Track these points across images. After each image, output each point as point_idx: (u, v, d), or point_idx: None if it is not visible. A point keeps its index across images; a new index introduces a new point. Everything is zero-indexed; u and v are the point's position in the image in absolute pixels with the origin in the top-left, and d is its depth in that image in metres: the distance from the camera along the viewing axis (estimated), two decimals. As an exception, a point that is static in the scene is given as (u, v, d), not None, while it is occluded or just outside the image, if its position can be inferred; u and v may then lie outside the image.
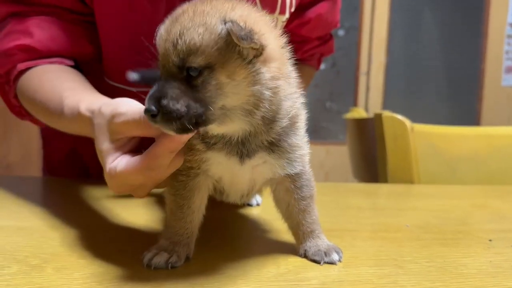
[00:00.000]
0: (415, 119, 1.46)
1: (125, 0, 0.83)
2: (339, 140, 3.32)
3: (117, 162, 0.55)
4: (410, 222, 0.81)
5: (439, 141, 1.39)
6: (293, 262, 0.60)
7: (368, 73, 3.44)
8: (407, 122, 1.35)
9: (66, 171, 1.04)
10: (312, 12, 1.03)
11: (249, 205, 0.86)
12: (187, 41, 0.49)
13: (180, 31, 0.49)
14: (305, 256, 0.61)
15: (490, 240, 0.72)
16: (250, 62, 0.50)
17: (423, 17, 3.54)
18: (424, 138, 1.37)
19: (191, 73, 0.49)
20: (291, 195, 0.61)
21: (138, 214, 0.77)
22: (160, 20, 0.85)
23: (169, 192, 0.59)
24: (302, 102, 0.60)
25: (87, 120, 0.62)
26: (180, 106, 0.48)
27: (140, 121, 0.53)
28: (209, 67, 0.49)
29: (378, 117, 1.40)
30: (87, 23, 0.88)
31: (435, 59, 3.56)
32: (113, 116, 0.56)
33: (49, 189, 0.98)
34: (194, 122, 0.49)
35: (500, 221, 0.86)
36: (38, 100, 0.77)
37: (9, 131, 2.34)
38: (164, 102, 0.48)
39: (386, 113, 1.38)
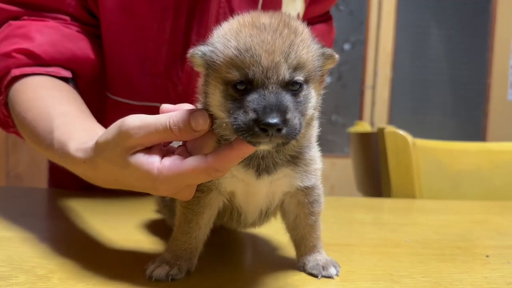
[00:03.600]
0: (420, 133, 1.47)
1: (132, 18, 0.85)
2: (345, 153, 3.33)
3: (169, 162, 0.53)
4: (409, 237, 0.82)
5: (441, 156, 1.40)
6: (291, 276, 0.61)
7: (373, 87, 3.46)
8: (409, 137, 1.36)
9: (72, 183, 1.05)
10: None
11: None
12: (298, 56, 0.50)
13: (290, 45, 0.50)
14: (303, 269, 0.62)
15: (487, 256, 0.73)
16: (322, 79, 0.55)
17: (429, 31, 3.55)
18: (426, 153, 1.38)
19: (292, 87, 0.50)
20: (301, 209, 0.62)
21: (141, 227, 0.79)
22: (166, 39, 0.88)
23: (181, 205, 0.60)
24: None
25: (78, 161, 0.60)
26: (297, 121, 0.49)
27: (166, 130, 0.52)
28: (306, 82, 0.52)
29: (381, 132, 1.41)
30: (91, 34, 0.88)
31: (440, 74, 3.57)
32: (124, 137, 0.53)
33: (55, 200, 1.00)
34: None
35: (499, 237, 0.87)
36: (28, 121, 0.72)
37: (19, 143, 2.37)
38: (289, 116, 0.47)
39: (389, 128, 1.39)
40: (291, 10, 0.95)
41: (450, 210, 1.09)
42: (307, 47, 0.51)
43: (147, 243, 0.71)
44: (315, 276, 0.60)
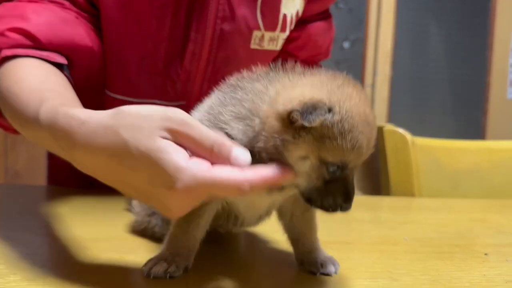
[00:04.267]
0: (420, 132, 1.47)
1: (131, 15, 0.85)
2: (344, 151, 3.32)
3: (199, 162, 0.47)
4: (408, 235, 0.82)
5: (440, 155, 1.40)
6: (289, 273, 0.61)
7: (373, 85, 3.45)
8: (408, 136, 1.36)
9: (71, 181, 1.04)
10: (304, 29, 1.03)
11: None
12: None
13: (374, 139, 0.54)
14: (301, 267, 0.62)
15: (485, 254, 0.73)
16: None
17: (429, 30, 3.55)
18: (425, 152, 1.38)
19: None
20: (297, 207, 0.62)
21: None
22: (165, 36, 0.88)
23: None
24: None
25: (76, 122, 0.50)
26: None
27: (210, 148, 0.47)
28: None
29: (380, 130, 1.41)
30: (90, 23, 0.84)
31: (440, 72, 3.57)
32: (168, 119, 0.47)
33: (54, 198, 1.00)
34: None
35: (498, 235, 0.87)
36: (14, 92, 0.64)
37: (18, 140, 2.37)
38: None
39: (388, 126, 1.39)
40: (291, 8, 0.95)
41: (449, 209, 1.09)
42: None
43: (147, 240, 0.71)
44: (313, 273, 0.60)
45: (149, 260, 0.58)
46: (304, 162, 0.50)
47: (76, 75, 0.80)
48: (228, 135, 0.52)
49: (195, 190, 0.46)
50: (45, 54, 0.75)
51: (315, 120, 0.48)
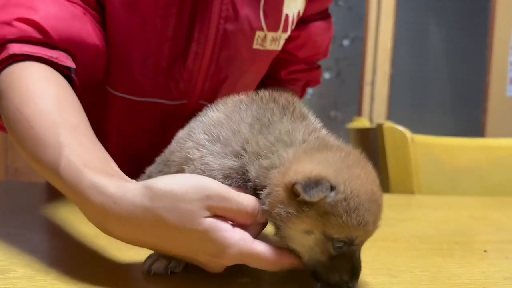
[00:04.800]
0: (420, 130, 1.47)
1: (136, 14, 0.84)
2: (344, 149, 3.32)
3: (243, 235, 0.51)
4: (408, 232, 0.82)
5: (440, 152, 1.40)
6: (289, 270, 0.61)
7: (372, 83, 3.46)
8: (408, 133, 1.37)
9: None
10: (303, 29, 1.03)
11: None
12: None
13: (380, 216, 0.54)
14: (300, 263, 0.62)
15: (485, 251, 0.74)
16: None
17: (428, 28, 3.55)
18: (425, 149, 1.38)
19: None
20: None
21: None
22: (169, 36, 0.87)
23: None
24: None
25: (107, 200, 0.50)
26: None
27: (246, 214, 0.52)
28: None
29: (379, 128, 1.41)
30: (96, 20, 0.82)
31: (440, 71, 3.57)
32: (207, 198, 0.50)
33: (53, 195, 1.00)
34: None
35: (497, 232, 0.87)
36: (25, 117, 0.59)
37: (17, 137, 2.37)
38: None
39: (387, 124, 1.39)
40: (293, 8, 0.95)
41: (448, 206, 1.09)
42: None
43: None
44: (313, 270, 0.61)
45: (149, 257, 0.58)
46: (308, 237, 0.51)
47: (79, 72, 0.77)
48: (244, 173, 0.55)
49: (238, 260, 0.52)
50: (54, 55, 0.69)
51: (315, 196, 0.48)
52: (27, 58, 0.67)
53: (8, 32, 0.67)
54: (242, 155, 0.56)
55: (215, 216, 0.50)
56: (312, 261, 0.52)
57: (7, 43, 0.67)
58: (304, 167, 0.51)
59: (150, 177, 0.69)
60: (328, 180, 0.49)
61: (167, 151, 0.67)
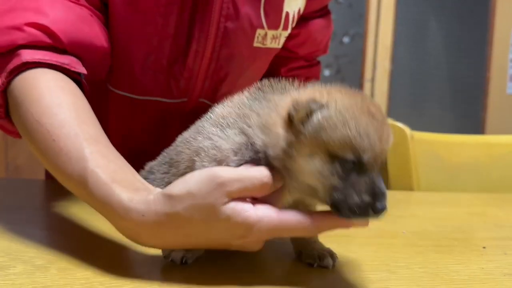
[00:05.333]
0: (420, 126, 1.47)
1: (137, 12, 0.84)
2: (344, 146, 3.33)
3: (267, 210, 0.52)
4: (407, 228, 0.83)
5: (439, 149, 1.40)
6: (287, 265, 0.61)
7: (372, 80, 3.45)
8: (407, 130, 1.37)
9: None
10: (303, 26, 1.03)
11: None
12: (389, 145, 0.54)
13: (388, 135, 0.53)
14: (299, 258, 0.63)
15: (484, 248, 0.74)
16: None
17: (428, 25, 3.55)
18: (424, 146, 1.38)
19: None
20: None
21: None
22: (170, 34, 0.87)
23: None
24: None
25: (135, 213, 0.53)
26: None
27: (262, 185, 0.52)
28: None
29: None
30: (101, 21, 0.83)
31: (440, 67, 3.56)
32: (221, 186, 0.51)
33: (54, 192, 1.00)
34: None
35: (496, 229, 0.87)
36: (46, 129, 0.59)
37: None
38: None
39: (387, 121, 1.39)
40: (293, 6, 0.95)
41: (447, 203, 1.10)
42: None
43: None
44: (311, 265, 0.61)
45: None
46: (314, 160, 0.51)
47: (86, 74, 0.77)
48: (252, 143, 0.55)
49: (268, 236, 0.53)
50: (66, 61, 0.69)
51: (308, 114, 0.51)
52: (39, 65, 0.67)
53: (19, 37, 0.67)
54: (247, 129, 0.56)
55: (234, 200, 0.51)
56: (327, 190, 0.51)
57: (18, 48, 0.67)
58: (294, 97, 0.54)
59: (150, 172, 0.69)
60: (317, 99, 0.52)
61: (171, 152, 0.67)
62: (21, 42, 0.67)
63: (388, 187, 1.40)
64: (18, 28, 0.67)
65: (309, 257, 0.61)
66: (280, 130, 0.53)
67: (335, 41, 3.37)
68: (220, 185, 0.50)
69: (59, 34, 0.69)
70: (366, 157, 0.50)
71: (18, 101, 0.64)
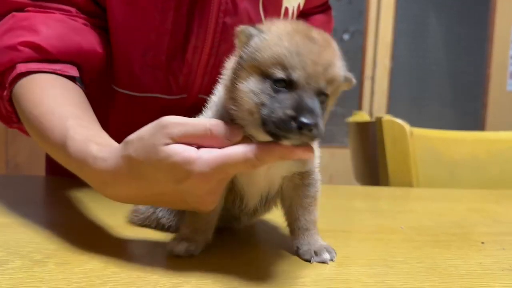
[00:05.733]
0: (420, 124, 1.47)
1: (136, 9, 0.85)
2: (344, 143, 3.33)
3: (208, 149, 0.52)
4: (405, 224, 0.83)
5: (438, 145, 1.40)
6: (286, 260, 0.61)
7: (373, 77, 3.45)
8: (407, 126, 1.37)
9: (68, 171, 1.03)
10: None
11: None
12: (333, 72, 0.54)
13: (329, 61, 0.53)
14: (297, 253, 0.63)
15: (482, 243, 0.74)
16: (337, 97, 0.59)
17: (428, 22, 3.54)
18: (424, 142, 1.38)
19: (320, 97, 0.53)
20: (296, 191, 0.63)
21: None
22: (167, 29, 0.87)
23: None
24: None
25: (100, 161, 0.57)
26: (323, 127, 0.52)
27: (205, 133, 0.53)
28: (328, 96, 0.55)
29: (378, 121, 1.41)
30: (98, 27, 0.86)
31: (440, 64, 3.56)
32: (163, 127, 0.53)
33: (53, 188, 1.00)
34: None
35: (495, 224, 0.87)
36: (35, 116, 0.68)
37: (18, 134, 2.37)
38: (319, 120, 0.51)
39: (386, 117, 1.40)
40: (292, 1, 0.95)
41: (446, 199, 1.10)
42: (339, 67, 0.56)
43: (145, 229, 0.72)
44: (308, 261, 0.61)
45: (172, 240, 0.61)
46: (249, 81, 0.54)
47: (88, 77, 0.84)
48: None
49: (211, 173, 0.52)
50: (58, 67, 0.77)
51: (248, 38, 0.55)
52: (34, 73, 0.75)
53: (15, 56, 0.76)
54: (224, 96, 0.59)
55: (178, 143, 0.53)
56: (258, 109, 0.52)
57: (15, 64, 0.75)
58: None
59: None
60: (252, 26, 0.56)
61: None
62: (18, 60, 0.75)
63: (387, 183, 1.40)
64: (13, 48, 0.76)
65: (305, 253, 0.62)
66: (233, 62, 0.57)
67: (335, 38, 3.35)
68: (162, 127, 0.52)
69: (50, 49, 0.77)
70: (295, 75, 0.52)
71: (19, 104, 0.73)
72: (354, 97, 3.48)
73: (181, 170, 0.52)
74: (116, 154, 0.56)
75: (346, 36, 3.43)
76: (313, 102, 0.51)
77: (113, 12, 0.85)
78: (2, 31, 0.78)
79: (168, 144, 0.52)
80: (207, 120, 0.54)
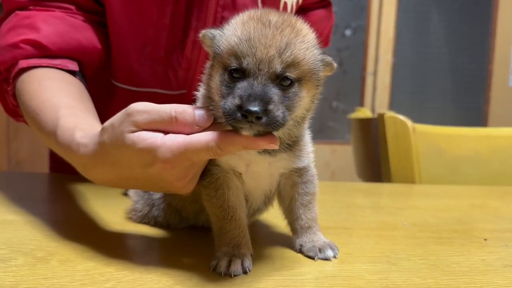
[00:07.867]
0: (421, 119, 1.47)
1: (133, 3, 0.85)
2: (345, 139, 3.33)
3: (173, 135, 0.53)
4: (407, 220, 0.83)
5: (440, 141, 1.40)
6: (288, 257, 0.61)
7: (375, 73, 3.44)
8: (409, 122, 1.37)
9: (71, 168, 1.04)
10: (303, 17, 1.03)
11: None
12: (294, 54, 0.52)
13: (287, 42, 0.52)
14: (300, 251, 0.63)
15: (485, 239, 0.74)
16: (318, 84, 0.57)
17: (431, 17, 3.53)
18: (426, 138, 1.38)
19: (283, 82, 0.52)
20: (295, 190, 0.64)
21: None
22: (166, 24, 0.87)
23: (205, 200, 0.61)
24: None
25: (82, 147, 0.59)
26: (280, 113, 0.51)
27: (170, 119, 0.53)
28: (298, 81, 0.54)
29: (380, 117, 1.41)
30: (97, 23, 0.87)
31: (442, 60, 3.55)
32: (129, 115, 0.54)
33: (55, 185, 1.00)
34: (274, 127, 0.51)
35: (497, 221, 0.87)
36: (32, 108, 0.72)
37: (20, 130, 2.37)
38: (271, 107, 0.50)
39: (388, 113, 1.39)
40: None
41: (448, 195, 1.09)
42: (306, 49, 0.54)
43: (146, 226, 0.72)
44: (312, 258, 0.61)
45: (218, 259, 0.56)
46: (215, 76, 0.55)
47: (89, 72, 0.86)
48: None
49: (174, 159, 0.53)
50: (57, 62, 0.80)
51: (206, 39, 0.57)
52: (34, 68, 0.78)
53: (18, 53, 0.79)
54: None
55: (144, 130, 0.53)
56: (222, 103, 0.52)
57: (18, 61, 0.79)
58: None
59: None
60: (216, 28, 0.57)
61: None
62: (19, 57, 0.79)
63: (389, 179, 1.40)
64: (16, 46, 0.79)
65: (309, 251, 0.62)
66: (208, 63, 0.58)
67: (337, 34, 3.36)
68: (128, 115, 0.54)
69: (50, 46, 0.80)
70: (245, 62, 0.52)
71: (19, 97, 0.76)
72: (356, 93, 3.47)
73: (147, 156, 0.53)
74: (94, 140, 0.58)
75: (348, 32, 3.42)
76: (263, 88, 0.50)
77: (111, 7, 0.85)
78: (6, 30, 0.81)
79: (134, 131, 0.53)
80: (173, 107, 0.54)
